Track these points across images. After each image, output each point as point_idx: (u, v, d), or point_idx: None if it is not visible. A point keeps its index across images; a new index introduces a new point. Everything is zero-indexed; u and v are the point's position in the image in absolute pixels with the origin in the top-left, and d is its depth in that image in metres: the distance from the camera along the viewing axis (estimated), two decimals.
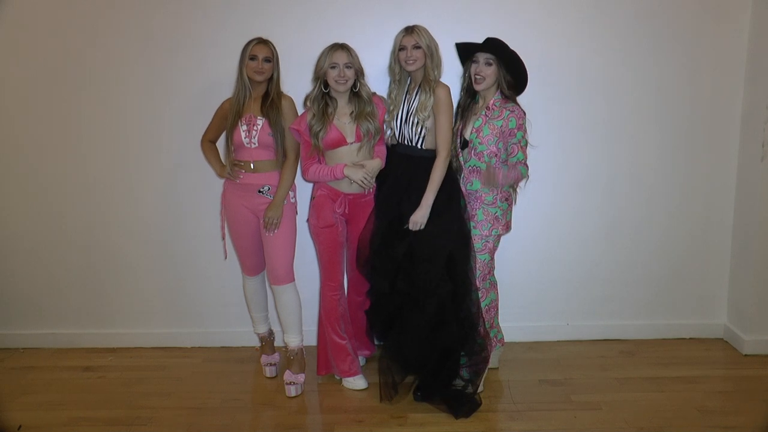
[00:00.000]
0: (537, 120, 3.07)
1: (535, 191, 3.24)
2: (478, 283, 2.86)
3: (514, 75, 2.80)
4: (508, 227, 2.94)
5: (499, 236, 2.92)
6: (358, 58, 2.80)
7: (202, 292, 3.46)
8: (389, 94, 2.92)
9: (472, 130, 2.86)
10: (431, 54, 2.77)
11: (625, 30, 3.20)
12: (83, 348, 3.47)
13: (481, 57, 2.80)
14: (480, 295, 2.87)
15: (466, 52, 2.88)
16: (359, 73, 2.82)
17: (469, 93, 2.93)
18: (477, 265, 2.86)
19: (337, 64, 2.75)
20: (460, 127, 2.92)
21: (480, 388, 2.87)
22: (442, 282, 2.73)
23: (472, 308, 2.80)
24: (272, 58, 2.83)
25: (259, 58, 2.80)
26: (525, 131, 2.83)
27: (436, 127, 2.77)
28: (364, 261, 2.88)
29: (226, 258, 3.25)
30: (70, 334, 3.50)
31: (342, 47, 2.78)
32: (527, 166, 2.84)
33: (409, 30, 2.76)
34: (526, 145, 2.84)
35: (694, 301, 3.49)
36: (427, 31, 2.78)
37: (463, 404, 2.75)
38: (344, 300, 3.00)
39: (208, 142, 3.04)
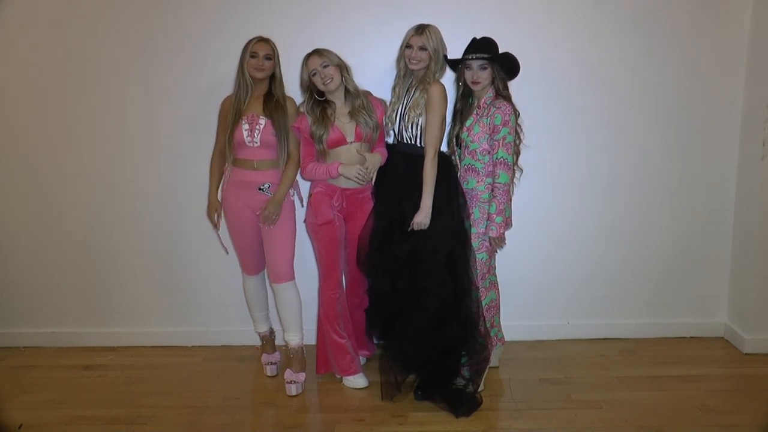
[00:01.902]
0: (537, 120, 3.08)
1: (535, 191, 3.25)
2: (477, 281, 2.86)
3: (507, 70, 2.80)
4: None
5: None
6: (333, 55, 2.79)
7: (202, 292, 3.46)
8: (394, 88, 2.92)
9: (463, 128, 2.86)
10: (437, 58, 2.77)
11: (625, 30, 3.20)
12: (83, 347, 3.47)
13: (474, 63, 2.79)
14: (479, 294, 2.87)
15: (456, 60, 2.87)
16: (343, 68, 2.82)
17: (465, 98, 2.93)
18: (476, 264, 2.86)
19: (315, 70, 2.77)
20: (457, 128, 2.92)
21: (480, 387, 2.87)
22: (443, 281, 2.73)
23: (473, 307, 2.80)
24: (273, 56, 2.84)
25: (260, 56, 2.80)
26: (512, 130, 2.77)
27: (425, 125, 2.77)
28: (364, 259, 2.88)
29: (227, 253, 3.24)
30: (71, 333, 3.50)
31: (312, 53, 2.79)
32: (511, 169, 2.78)
33: (420, 30, 2.75)
34: (513, 144, 2.79)
35: (694, 299, 3.49)
36: (438, 33, 2.77)
37: (464, 403, 2.75)
38: (343, 298, 3.00)
39: (219, 156, 2.96)
